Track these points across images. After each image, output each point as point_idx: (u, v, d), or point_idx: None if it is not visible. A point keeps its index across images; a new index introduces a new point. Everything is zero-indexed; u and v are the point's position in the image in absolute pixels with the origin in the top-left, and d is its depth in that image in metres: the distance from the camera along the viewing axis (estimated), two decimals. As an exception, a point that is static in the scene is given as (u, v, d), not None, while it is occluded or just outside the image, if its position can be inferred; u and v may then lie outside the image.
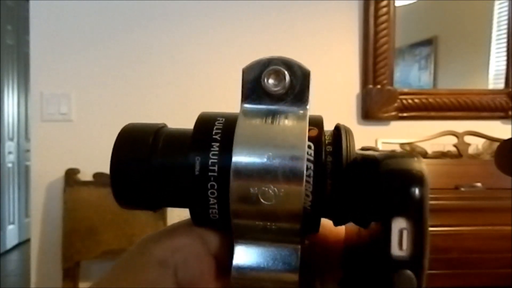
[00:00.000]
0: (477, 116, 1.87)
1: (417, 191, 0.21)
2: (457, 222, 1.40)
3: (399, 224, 0.21)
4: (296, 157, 0.23)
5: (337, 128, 0.25)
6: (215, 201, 0.24)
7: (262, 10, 1.83)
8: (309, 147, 0.24)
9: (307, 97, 0.25)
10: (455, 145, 1.70)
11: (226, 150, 0.23)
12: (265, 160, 0.23)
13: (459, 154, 1.68)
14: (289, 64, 0.25)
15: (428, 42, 2.13)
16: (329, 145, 0.24)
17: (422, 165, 0.22)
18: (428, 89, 2.05)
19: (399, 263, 0.21)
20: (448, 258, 1.40)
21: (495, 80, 2.00)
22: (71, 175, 1.73)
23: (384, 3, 1.82)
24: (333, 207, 0.24)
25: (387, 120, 1.85)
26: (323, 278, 0.29)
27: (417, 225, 0.21)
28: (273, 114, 0.25)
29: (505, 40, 1.94)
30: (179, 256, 0.25)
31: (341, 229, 0.28)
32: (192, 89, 1.81)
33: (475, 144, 1.75)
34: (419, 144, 1.73)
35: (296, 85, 0.25)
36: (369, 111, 1.83)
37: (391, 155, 0.23)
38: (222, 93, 1.80)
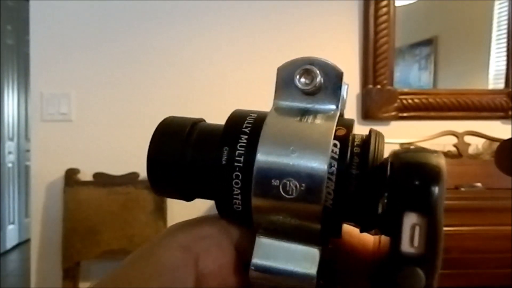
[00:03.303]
0: (477, 116, 1.87)
1: (432, 185, 0.21)
2: (457, 222, 1.40)
3: (411, 219, 0.20)
4: (319, 153, 0.23)
5: (370, 132, 0.26)
6: (239, 191, 0.25)
7: (262, 10, 1.83)
8: (335, 145, 0.24)
9: (339, 97, 0.26)
10: (455, 145, 1.70)
11: (253, 143, 0.24)
12: (288, 154, 0.23)
13: (459, 154, 1.68)
14: (322, 64, 0.26)
15: (428, 42, 2.13)
16: (358, 147, 0.24)
17: (441, 160, 0.22)
18: (428, 89, 2.04)
19: (408, 260, 0.20)
20: (448, 258, 1.39)
21: (495, 80, 2.00)
22: (71, 175, 1.73)
23: (384, 3, 1.82)
24: (358, 209, 0.24)
25: (387, 120, 1.85)
26: (345, 287, 0.29)
27: (431, 221, 0.20)
28: (303, 112, 0.25)
29: (505, 40, 1.94)
30: (203, 245, 0.26)
31: (369, 239, 0.27)
32: (192, 89, 1.81)
33: (475, 144, 1.75)
34: (419, 144, 1.73)
35: (328, 85, 0.26)
36: (369, 111, 1.83)
37: (409, 149, 0.23)
38: (222, 92, 1.80)
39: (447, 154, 1.72)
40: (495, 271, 1.40)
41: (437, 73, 2.10)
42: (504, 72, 1.95)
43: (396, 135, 1.76)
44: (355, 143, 0.25)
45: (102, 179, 1.72)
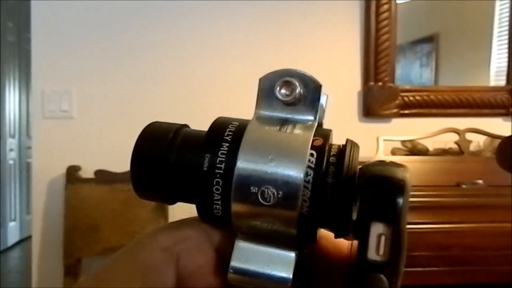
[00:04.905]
0: (478, 113, 1.87)
1: (396, 198, 0.22)
2: (458, 219, 1.40)
3: (377, 229, 0.22)
4: (296, 162, 0.24)
5: (346, 142, 0.26)
6: (219, 197, 0.25)
7: (263, 8, 1.83)
8: (312, 155, 0.25)
9: (317, 108, 0.27)
10: (456, 142, 1.69)
11: (234, 151, 0.25)
12: (267, 162, 0.24)
13: (460, 151, 1.68)
14: (302, 77, 0.27)
15: (430, 39, 2.12)
16: (334, 157, 0.25)
17: (406, 174, 0.23)
18: (430, 86, 2.04)
19: (374, 267, 0.21)
20: (449, 255, 1.40)
21: (496, 77, 1.99)
22: (72, 172, 1.73)
23: (385, 0, 1.82)
24: (332, 216, 0.25)
25: (388, 117, 1.85)
26: None
27: (395, 231, 0.21)
28: (283, 122, 0.26)
29: (507, 37, 1.94)
30: (183, 246, 0.26)
31: (344, 243, 0.28)
32: (192, 86, 1.81)
33: (477, 141, 1.75)
34: (420, 141, 1.73)
35: (307, 96, 0.27)
36: (371, 108, 1.83)
37: (378, 163, 0.24)
38: (223, 90, 1.80)
39: (448, 151, 1.72)
40: (496, 268, 1.40)
41: (439, 70, 2.10)
42: (505, 69, 1.94)
43: (398, 133, 1.76)
44: (331, 153, 0.25)
45: (103, 176, 1.72)
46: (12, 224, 4.14)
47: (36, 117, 1.80)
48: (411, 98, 1.85)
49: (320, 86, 0.27)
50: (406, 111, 1.85)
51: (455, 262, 1.41)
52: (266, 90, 0.27)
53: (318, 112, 0.27)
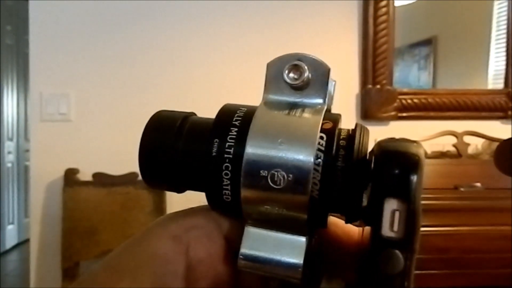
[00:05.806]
0: (476, 116, 1.88)
1: (411, 173, 0.21)
2: (456, 222, 1.41)
3: (391, 205, 0.21)
4: (306, 145, 0.24)
5: (355, 126, 0.26)
6: (228, 182, 0.25)
7: (261, 9, 1.83)
8: (322, 138, 0.24)
9: (326, 92, 0.27)
10: (454, 145, 1.70)
11: (243, 135, 0.25)
12: (277, 146, 0.24)
13: (458, 154, 1.68)
14: (310, 60, 0.27)
15: (428, 42, 2.13)
16: (343, 140, 0.25)
17: (420, 149, 0.22)
18: (428, 89, 2.05)
19: (388, 243, 0.21)
20: (448, 258, 1.40)
21: (494, 80, 2.00)
22: (70, 175, 1.73)
23: (383, 3, 1.82)
24: (343, 200, 0.25)
25: (386, 120, 1.85)
26: (331, 276, 0.30)
27: (410, 207, 0.21)
28: (292, 106, 0.26)
29: (505, 40, 1.94)
30: (193, 235, 0.26)
31: (354, 229, 0.28)
32: (191, 88, 1.81)
33: (475, 144, 1.75)
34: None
35: (316, 80, 0.27)
36: (369, 111, 1.83)
37: (391, 139, 0.24)
38: (222, 92, 1.80)
39: (446, 154, 1.72)
40: (494, 271, 1.40)
41: (437, 73, 2.10)
42: (503, 72, 1.95)
43: (395, 135, 1.74)
44: (341, 137, 0.25)
45: (101, 179, 1.72)
46: (10, 227, 4.13)
47: (34, 120, 1.79)
48: (409, 101, 1.85)
49: (329, 69, 0.27)
50: (404, 114, 1.85)
51: (453, 265, 1.41)
52: (274, 74, 0.27)
53: (327, 96, 0.27)
